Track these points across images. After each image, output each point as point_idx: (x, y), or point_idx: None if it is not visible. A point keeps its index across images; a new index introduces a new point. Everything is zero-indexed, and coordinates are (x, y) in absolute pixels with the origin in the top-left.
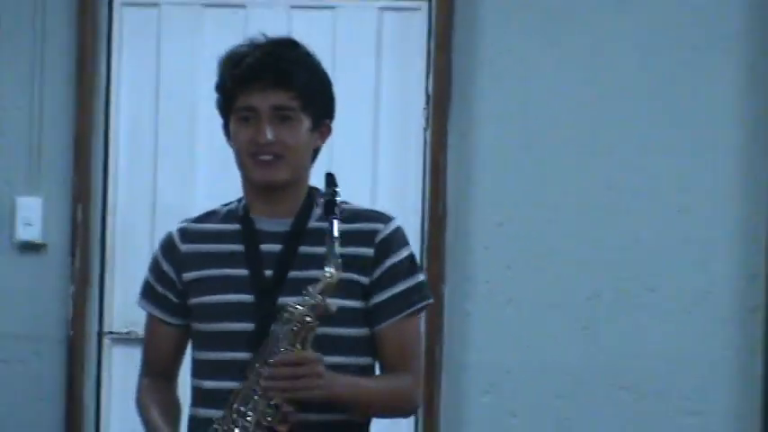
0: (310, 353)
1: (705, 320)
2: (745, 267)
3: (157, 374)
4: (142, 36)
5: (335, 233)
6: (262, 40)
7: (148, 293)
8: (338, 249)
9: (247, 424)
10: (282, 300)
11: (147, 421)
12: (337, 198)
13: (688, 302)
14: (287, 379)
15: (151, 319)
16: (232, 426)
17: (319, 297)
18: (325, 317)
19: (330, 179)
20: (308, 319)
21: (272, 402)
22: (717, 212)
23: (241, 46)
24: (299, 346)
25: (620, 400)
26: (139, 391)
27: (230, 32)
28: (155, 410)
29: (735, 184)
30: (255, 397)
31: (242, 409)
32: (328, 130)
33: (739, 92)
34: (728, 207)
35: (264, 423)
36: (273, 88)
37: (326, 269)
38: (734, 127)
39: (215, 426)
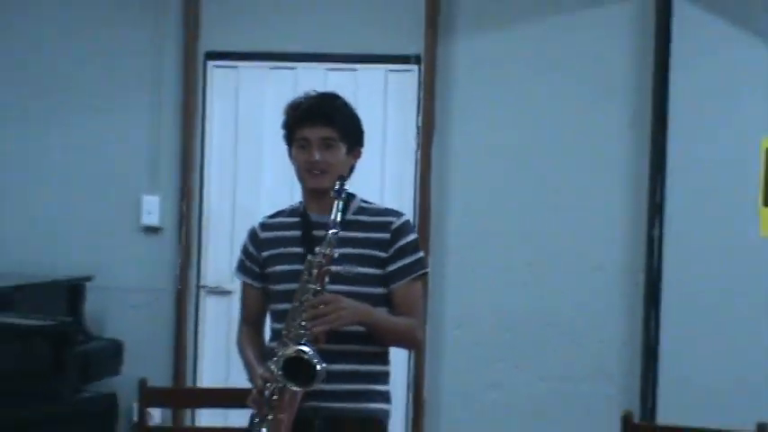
0: (331, 294)
1: (605, 279)
2: (631, 245)
3: (250, 324)
4: (226, 86)
5: (339, 208)
6: (313, 93)
7: (241, 267)
8: (339, 218)
9: (288, 342)
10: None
11: (244, 358)
12: (345, 187)
13: (592, 268)
14: (321, 316)
15: (244, 286)
16: (282, 348)
17: (329, 249)
18: (346, 275)
19: (341, 178)
20: (323, 260)
21: (305, 329)
22: (612, 206)
23: (299, 97)
24: (318, 285)
25: (548, 334)
26: (239, 336)
27: (286, 85)
28: (249, 351)
29: (623, 190)
30: (294, 326)
31: (288, 334)
32: (359, 154)
33: (625, 122)
34: (620, 205)
35: (299, 341)
36: (320, 125)
37: (331, 230)
38: (623, 153)
39: (275, 350)
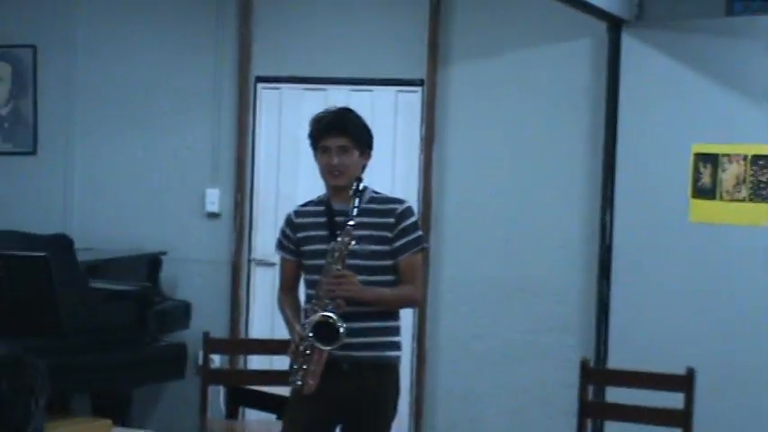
0: (347, 272)
1: (567, 254)
2: (589, 227)
3: (288, 290)
4: (272, 103)
5: (355, 204)
6: (332, 108)
7: (280, 245)
8: (355, 212)
9: (318, 309)
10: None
11: (284, 317)
12: (360, 187)
13: (557, 244)
14: (336, 286)
15: (282, 260)
16: (312, 311)
17: (347, 238)
18: (360, 252)
19: (357, 180)
20: (342, 246)
21: (329, 299)
22: (574, 198)
23: (321, 112)
24: (340, 265)
25: (522, 296)
26: (279, 299)
27: (318, 102)
28: (288, 311)
29: (582, 184)
30: (322, 296)
31: (316, 302)
32: (369, 156)
33: (584, 131)
34: (580, 196)
35: (326, 309)
36: (338, 135)
37: (349, 223)
38: (582, 155)
39: (307, 312)
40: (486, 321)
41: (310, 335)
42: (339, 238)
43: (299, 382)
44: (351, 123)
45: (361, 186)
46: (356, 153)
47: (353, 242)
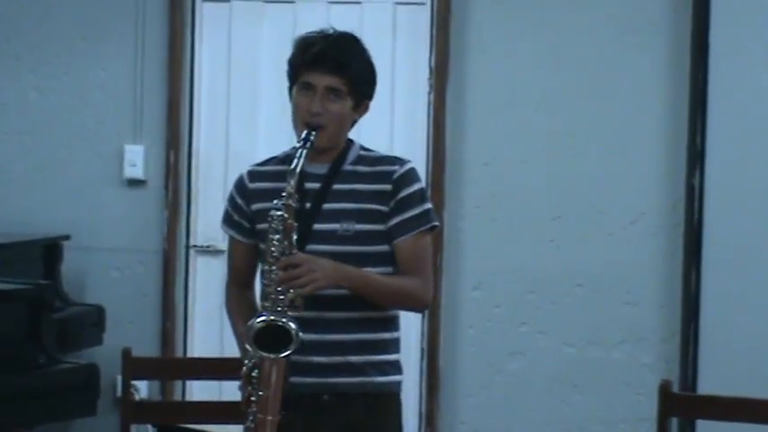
0: (300, 255)
1: (640, 234)
2: (670, 195)
3: (239, 284)
4: (217, 24)
5: (301, 156)
6: (330, 31)
7: (228, 220)
8: (299, 168)
9: (267, 311)
10: (317, 226)
11: (234, 327)
12: (311, 136)
13: (627, 221)
14: (289, 280)
15: (231, 240)
16: (263, 312)
17: (290, 201)
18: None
19: (307, 126)
20: (285, 215)
21: (281, 296)
22: (649, 154)
23: (313, 33)
24: (286, 242)
25: (577, 294)
26: (228, 298)
27: (282, 23)
28: (239, 318)
29: (659, 135)
30: (268, 291)
31: (265, 303)
32: (366, 109)
33: (661, 58)
34: (657, 150)
35: (277, 309)
36: (330, 73)
37: (291, 183)
38: (659, 94)
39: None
40: (526, 330)
41: (252, 345)
42: (279, 202)
43: (251, 423)
44: (353, 59)
45: (340, 140)
46: (349, 102)
47: (296, 205)
